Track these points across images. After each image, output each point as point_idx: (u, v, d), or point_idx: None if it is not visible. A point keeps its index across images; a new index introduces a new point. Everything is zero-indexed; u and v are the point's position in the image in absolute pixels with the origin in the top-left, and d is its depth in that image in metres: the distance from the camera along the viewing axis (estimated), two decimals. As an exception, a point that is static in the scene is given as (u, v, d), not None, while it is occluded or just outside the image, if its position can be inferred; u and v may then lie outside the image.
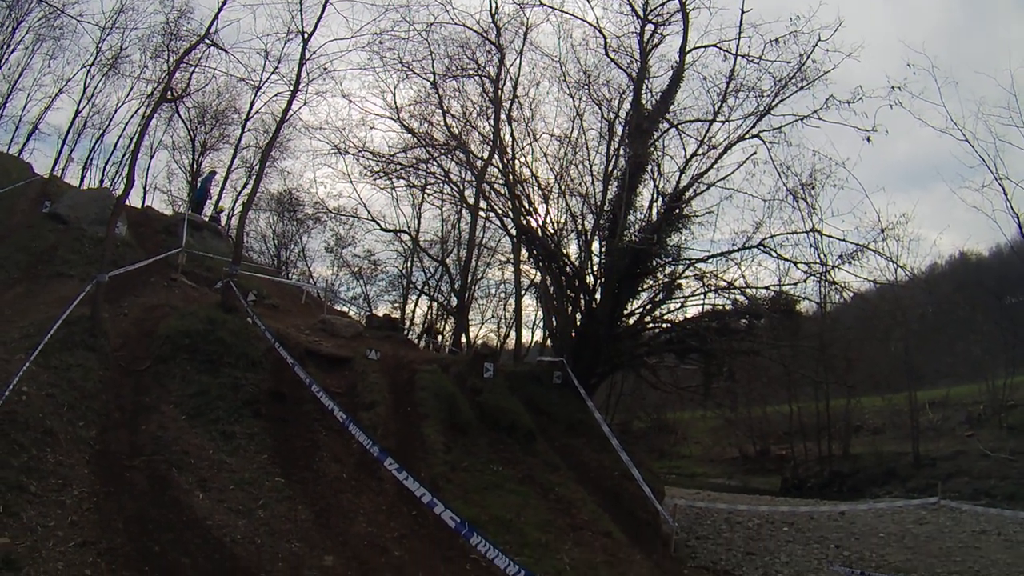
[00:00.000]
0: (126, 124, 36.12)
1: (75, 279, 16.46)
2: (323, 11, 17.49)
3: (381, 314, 31.29)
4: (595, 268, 21.71)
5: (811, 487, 36.98)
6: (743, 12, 19.75)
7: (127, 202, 17.19)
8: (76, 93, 34.71)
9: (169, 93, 18.28)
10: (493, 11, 23.66)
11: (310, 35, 17.71)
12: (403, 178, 27.99)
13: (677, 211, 20.79)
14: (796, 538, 20.71)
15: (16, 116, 36.40)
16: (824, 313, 22.79)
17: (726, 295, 20.91)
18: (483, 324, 40.44)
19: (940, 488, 25.74)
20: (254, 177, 17.85)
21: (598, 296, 21.18)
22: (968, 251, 50.04)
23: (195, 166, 36.45)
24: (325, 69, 19.63)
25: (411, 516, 12.13)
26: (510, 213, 23.36)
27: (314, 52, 19.17)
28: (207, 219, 26.57)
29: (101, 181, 36.02)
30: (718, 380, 22.36)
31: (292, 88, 18.04)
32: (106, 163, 38.43)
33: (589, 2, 22.94)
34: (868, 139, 18.91)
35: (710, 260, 20.71)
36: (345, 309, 32.77)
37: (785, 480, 39.04)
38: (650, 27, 21.89)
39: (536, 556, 11.80)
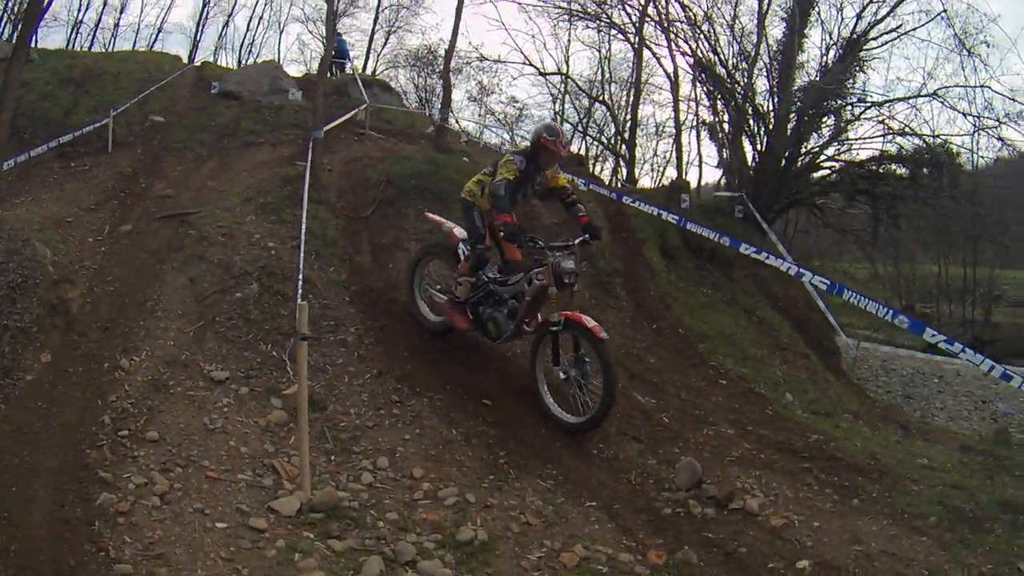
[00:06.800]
0: (256, 3, 36.64)
1: (266, 145, 16.50)
2: None
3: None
4: (773, 106, 21.51)
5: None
6: None
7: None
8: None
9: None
10: None
11: None
12: (579, 15, 27.45)
13: (858, 54, 20.70)
14: (946, 390, 21.14)
15: (135, 23, 37.12)
16: (976, 170, 22.63)
17: (902, 139, 20.97)
18: (643, 164, 39.65)
19: (1082, 364, 25.24)
20: (451, 32, 17.70)
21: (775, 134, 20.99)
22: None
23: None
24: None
25: (652, 329, 12.32)
26: (675, 48, 23.16)
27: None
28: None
29: (238, 62, 36.60)
30: (885, 225, 22.24)
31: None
32: (241, 44, 39.07)
33: None
34: None
35: (887, 105, 20.66)
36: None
37: (928, 338, 37.49)
38: None
39: (756, 369, 12.32)
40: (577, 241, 8.87)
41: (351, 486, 6.96)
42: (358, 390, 8.67)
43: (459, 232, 9.65)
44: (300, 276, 9.79)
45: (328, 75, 21.68)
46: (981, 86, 19.10)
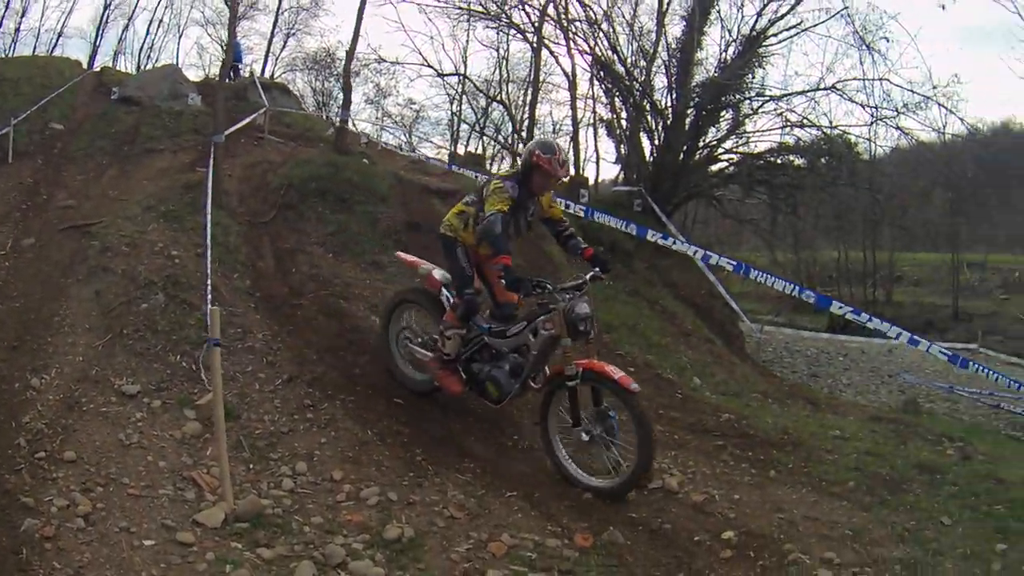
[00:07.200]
0: (156, 7, 36.40)
1: (166, 152, 16.35)
2: None
3: (461, 152, 32.92)
4: (671, 101, 22.48)
5: (855, 327, 36.32)
6: None
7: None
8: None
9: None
10: None
11: None
12: (479, 15, 27.41)
13: (757, 50, 21.63)
14: (851, 367, 22.61)
15: (35, 28, 36.28)
16: (874, 159, 24.25)
17: (801, 131, 22.16)
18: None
19: (980, 338, 27.55)
20: (352, 33, 17.85)
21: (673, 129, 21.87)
22: (1011, 121, 49.15)
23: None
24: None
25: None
26: (574, 47, 23.91)
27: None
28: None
29: (138, 66, 36.02)
30: (783, 214, 23.95)
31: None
32: (141, 48, 38.52)
33: None
34: (943, 7, 20.70)
35: (785, 98, 21.82)
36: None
37: (831, 318, 38.90)
38: None
39: (661, 356, 12.66)
40: (588, 277, 7.59)
41: (273, 493, 6.86)
42: (270, 396, 8.54)
43: (439, 275, 8.32)
44: (208, 282, 9.63)
45: (226, 80, 21.49)
46: (880, 79, 20.17)
